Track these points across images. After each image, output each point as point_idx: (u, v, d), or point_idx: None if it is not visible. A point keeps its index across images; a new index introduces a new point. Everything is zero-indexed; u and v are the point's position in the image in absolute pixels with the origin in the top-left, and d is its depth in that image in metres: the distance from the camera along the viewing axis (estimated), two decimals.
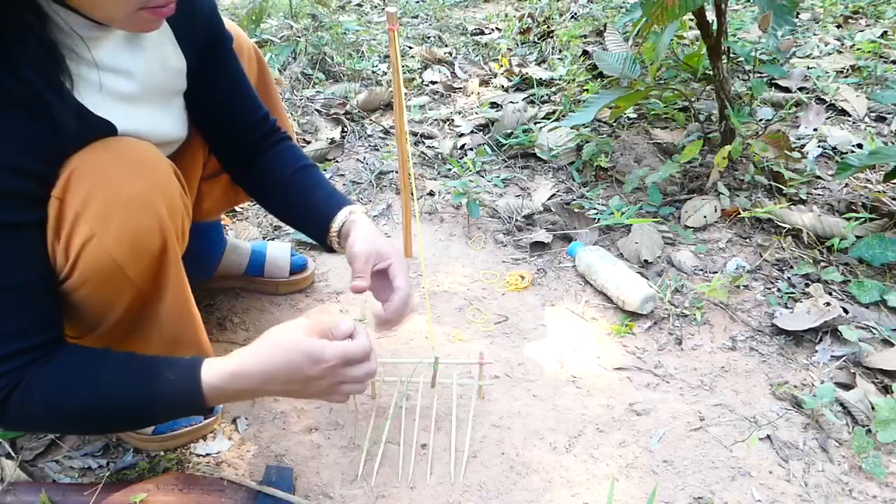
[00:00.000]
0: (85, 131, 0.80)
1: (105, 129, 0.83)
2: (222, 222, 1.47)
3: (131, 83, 0.86)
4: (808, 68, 2.30)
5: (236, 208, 1.74)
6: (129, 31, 0.82)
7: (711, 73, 1.68)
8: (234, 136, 1.09)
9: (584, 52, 2.50)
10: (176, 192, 0.87)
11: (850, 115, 2.05)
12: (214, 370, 0.82)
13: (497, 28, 3.11)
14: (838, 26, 2.76)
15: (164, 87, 0.92)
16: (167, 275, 0.88)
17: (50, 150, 0.77)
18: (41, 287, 0.80)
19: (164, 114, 0.95)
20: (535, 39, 2.85)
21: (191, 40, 0.95)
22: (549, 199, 1.75)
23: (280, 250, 1.45)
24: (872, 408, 1.12)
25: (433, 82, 2.51)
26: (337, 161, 2.01)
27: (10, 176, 0.73)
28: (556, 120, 2.07)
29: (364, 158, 2.01)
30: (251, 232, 1.67)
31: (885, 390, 1.17)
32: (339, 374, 0.85)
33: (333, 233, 1.03)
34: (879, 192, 1.64)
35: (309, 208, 1.08)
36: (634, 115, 2.09)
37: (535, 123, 2.07)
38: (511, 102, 2.20)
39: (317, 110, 2.26)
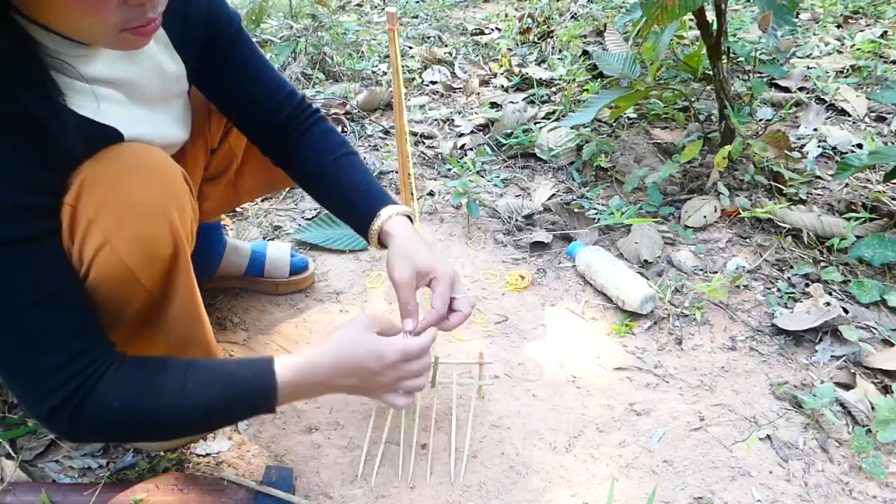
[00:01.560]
0: (92, 141, 0.80)
1: (112, 136, 0.83)
2: (222, 223, 1.47)
3: (130, 92, 0.86)
4: (808, 68, 2.30)
5: (236, 209, 1.73)
6: (117, 50, 0.80)
7: (711, 73, 1.68)
8: (260, 120, 1.07)
9: (584, 52, 2.50)
10: (186, 197, 0.88)
11: (850, 115, 2.05)
12: (287, 364, 0.86)
13: (497, 28, 3.12)
14: (838, 26, 2.76)
15: (163, 93, 0.93)
16: (177, 279, 0.88)
17: (59, 162, 0.77)
18: (75, 290, 0.80)
19: (166, 118, 0.95)
20: (535, 39, 2.85)
21: (188, 41, 0.94)
22: (549, 199, 1.75)
23: (280, 251, 1.45)
24: (872, 408, 1.12)
25: (433, 82, 2.51)
26: None
27: (24, 190, 0.73)
28: (556, 120, 2.07)
29: (364, 158, 2.01)
30: (251, 232, 1.67)
31: (885, 390, 1.17)
32: (399, 370, 0.91)
33: (373, 238, 1.03)
34: (879, 192, 1.64)
35: (346, 205, 1.07)
36: (634, 115, 2.09)
37: (535, 123, 2.07)
38: (511, 102, 2.20)
39: None
